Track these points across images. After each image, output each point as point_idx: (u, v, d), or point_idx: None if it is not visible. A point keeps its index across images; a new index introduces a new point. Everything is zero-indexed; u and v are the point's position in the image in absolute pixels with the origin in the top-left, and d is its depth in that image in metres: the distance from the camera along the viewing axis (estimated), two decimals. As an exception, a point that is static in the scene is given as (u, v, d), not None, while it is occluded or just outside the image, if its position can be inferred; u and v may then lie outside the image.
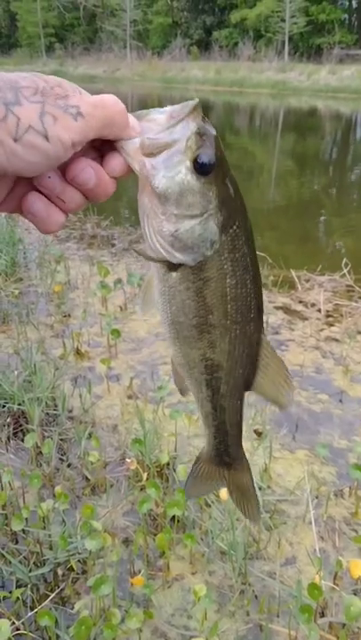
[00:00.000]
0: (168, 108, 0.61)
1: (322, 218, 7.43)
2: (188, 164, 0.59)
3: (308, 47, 34.49)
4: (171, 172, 0.59)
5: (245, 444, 2.62)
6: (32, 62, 41.83)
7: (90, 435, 2.51)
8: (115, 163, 0.61)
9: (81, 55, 41.33)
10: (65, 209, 0.59)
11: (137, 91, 28.20)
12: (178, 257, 0.62)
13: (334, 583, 1.83)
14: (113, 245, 5.43)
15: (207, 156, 0.59)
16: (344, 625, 1.67)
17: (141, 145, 0.59)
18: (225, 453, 0.83)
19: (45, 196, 0.59)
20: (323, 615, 1.76)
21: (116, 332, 3.27)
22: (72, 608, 1.74)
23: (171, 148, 0.58)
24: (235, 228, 0.63)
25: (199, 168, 0.59)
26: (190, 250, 0.62)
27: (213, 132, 0.60)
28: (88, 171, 0.59)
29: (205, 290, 0.65)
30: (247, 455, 2.52)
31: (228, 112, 21.73)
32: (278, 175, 10.28)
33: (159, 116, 0.61)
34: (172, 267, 0.64)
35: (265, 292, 4.33)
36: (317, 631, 1.52)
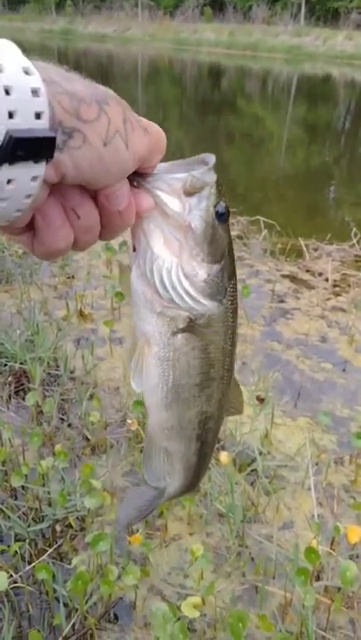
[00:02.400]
0: (182, 161, 0.60)
1: (332, 188, 7.30)
2: (212, 210, 0.59)
3: (324, 11, 33.41)
4: (204, 215, 0.58)
5: (247, 410, 2.59)
6: (41, 19, 40.77)
7: (91, 396, 2.50)
8: (147, 201, 0.56)
9: (91, 13, 40.21)
10: (76, 227, 0.51)
11: (147, 52, 27.51)
12: (205, 305, 0.61)
13: (331, 548, 1.84)
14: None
15: (224, 205, 0.60)
16: (340, 589, 1.68)
17: (185, 183, 0.57)
18: (193, 488, 0.82)
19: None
20: (318, 579, 1.76)
21: (120, 295, 3.24)
22: (69, 564, 1.75)
23: (202, 192, 0.58)
24: (235, 277, 0.64)
25: (220, 215, 0.60)
26: (215, 297, 0.61)
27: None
28: (123, 191, 0.52)
29: (211, 345, 0.64)
30: (248, 421, 2.49)
31: (241, 77, 21.21)
32: (289, 144, 10.07)
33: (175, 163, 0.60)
34: (180, 328, 0.62)
35: (273, 260, 4.28)
36: (313, 594, 1.52)
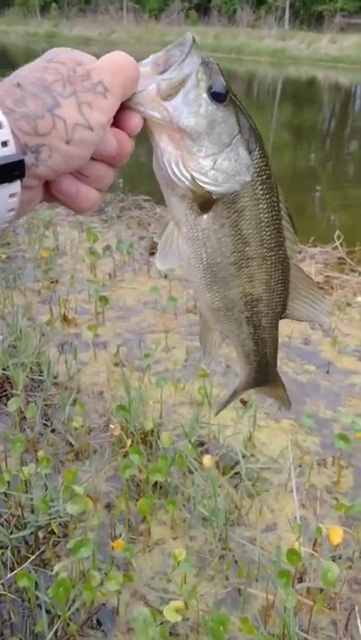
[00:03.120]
0: (160, 53, 0.60)
1: (317, 191, 7.35)
2: (205, 95, 0.58)
3: (308, 15, 33.64)
4: (194, 108, 0.58)
5: (230, 413, 2.60)
6: (26, 22, 40.65)
7: (74, 401, 2.50)
8: (133, 121, 0.59)
9: (76, 16, 40.16)
10: (91, 183, 0.58)
11: (133, 54, 27.44)
12: (224, 187, 0.61)
13: (314, 550, 1.85)
14: (103, 212, 5.34)
15: (219, 83, 0.59)
16: (322, 590, 1.69)
17: (159, 90, 0.57)
18: (264, 381, 0.85)
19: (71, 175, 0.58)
20: (301, 580, 1.77)
21: (104, 299, 3.24)
22: (52, 570, 1.74)
23: (185, 85, 0.58)
24: (258, 149, 0.63)
25: (216, 97, 0.59)
26: (233, 178, 0.61)
27: (213, 60, 0.60)
28: (111, 141, 0.58)
29: (241, 221, 0.64)
30: (231, 423, 2.49)
31: (226, 80, 21.26)
32: (275, 147, 10.12)
33: (154, 61, 0.60)
34: (203, 208, 0.62)
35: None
36: (295, 596, 1.53)
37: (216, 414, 2.11)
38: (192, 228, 0.64)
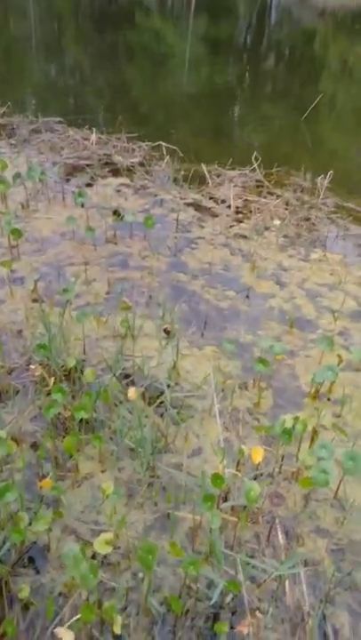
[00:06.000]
0: None
1: (235, 110, 7.18)
2: None
3: None
4: None
5: (154, 343, 2.59)
6: None
7: (-8, 341, 2.40)
8: None
9: None
10: None
11: None
12: None
13: (237, 470, 1.93)
14: (12, 136, 4.98)
15: None
16: (245, 507, 1.78)
17: None
18: None
19: None
20: (226, 500, 1.86)
21: (17, 232, 3.07)
22: (-21, 515, 1.72)
23: None
24: None
25: None
26: None
27: None
28: None
29: None
30: (155, 354, 2.47)
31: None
32: (191, 62, 9.69)
33: None
34: None
35: (177, 188, 4.19)
36: (219, 516, 1.61)
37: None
38: None
